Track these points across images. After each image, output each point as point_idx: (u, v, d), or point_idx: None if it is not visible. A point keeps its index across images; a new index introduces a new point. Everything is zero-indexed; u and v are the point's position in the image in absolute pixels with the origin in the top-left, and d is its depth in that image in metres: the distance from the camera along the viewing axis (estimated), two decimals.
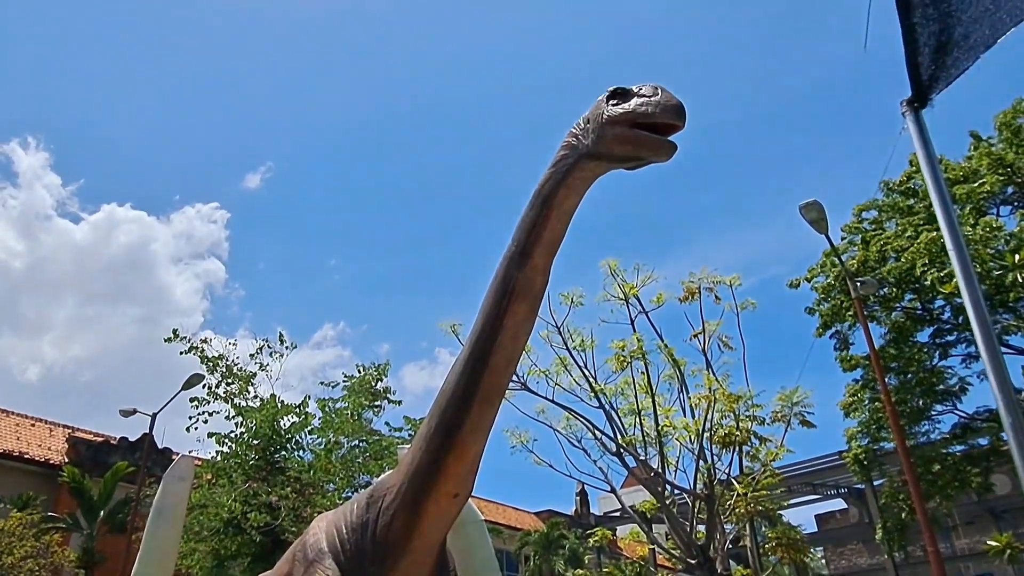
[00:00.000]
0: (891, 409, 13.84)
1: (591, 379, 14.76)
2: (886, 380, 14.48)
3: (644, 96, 4.10)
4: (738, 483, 14.09)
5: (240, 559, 17.29)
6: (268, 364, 18.68)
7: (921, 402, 16.73)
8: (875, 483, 20.46)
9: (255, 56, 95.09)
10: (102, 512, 19.68)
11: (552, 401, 14.98)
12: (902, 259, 15.78)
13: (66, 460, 23.97)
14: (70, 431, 29.35)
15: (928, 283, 15.00)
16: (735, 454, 14.42)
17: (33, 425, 28.92)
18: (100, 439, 28.42)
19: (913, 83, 3.58)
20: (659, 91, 4.03)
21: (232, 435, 17.42)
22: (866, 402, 17.01)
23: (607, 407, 14.77)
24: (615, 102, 4.26)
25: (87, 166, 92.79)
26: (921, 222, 16.18)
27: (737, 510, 13.42)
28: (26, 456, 25.92)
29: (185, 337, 18.32)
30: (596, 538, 17.64)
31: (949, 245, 3.88)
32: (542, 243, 5.30)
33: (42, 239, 78.69)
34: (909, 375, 16.69)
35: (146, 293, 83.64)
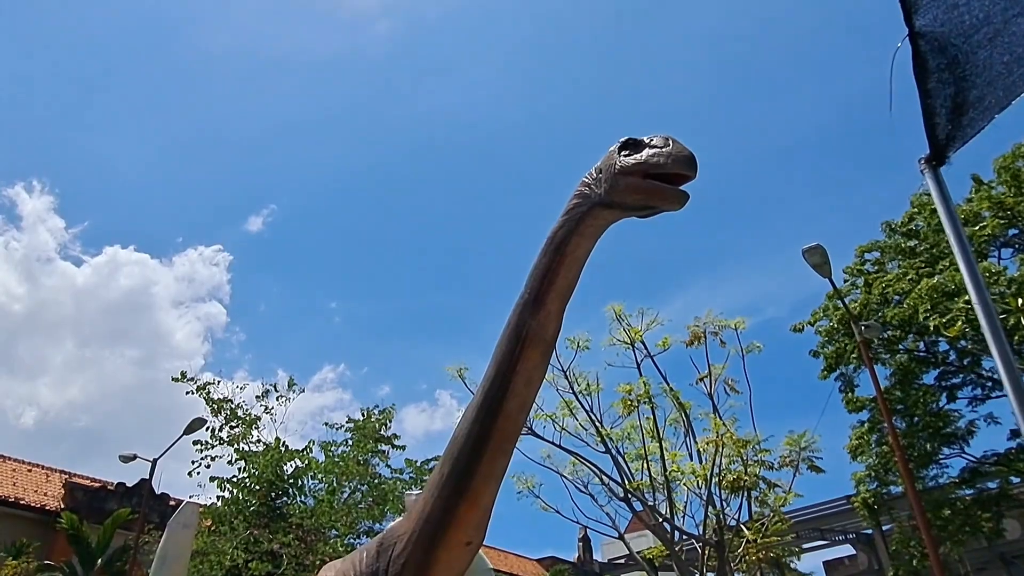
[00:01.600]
0: (900, 452, 13.72)
1: (597, 423, 14.68)
2: (893, 422, 14.40)
3: (655, 147, 4.23)
4: (747, 529, 13.91)
5: None
6: (273, 408, 18.61)
7: (929, 445, 16.60)
8: (884, 528, 20.17)
9: (257, 99, 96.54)
10: (100, 560, 19.32)
11: (558, 446, 14.90)
12: (905, 304, 15.83)
13: (63, 506, 23.63)
14: (67, 476, 28.98)
15: (931, 329, 15.03)
16: (744, 499, 14.27)
17: (30, 471, 28.56)
18: (97, 484, 28.05)
19: (931, 142, 3.68)
20: (670, 142, 4.17)
21: (234, 479, 17.23)
22: (873, 445, 16.88)
23: (614, 452, 14.66)
24: (627, 153, 4.39)
25: (91, 208, 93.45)
26: (923, 264, 16.27)
27: (748, 557, 13.21)
28: (22, 502, 25.54)
29: (193, 378, 18.28)
30: None
31: (974, 299, 3.92)
32: (555, 290, 5.38)
33: (43, 282, 78.83)
34: (916, 418, 16.59)
35: (146, 336, 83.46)
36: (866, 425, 17.22)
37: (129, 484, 26.72)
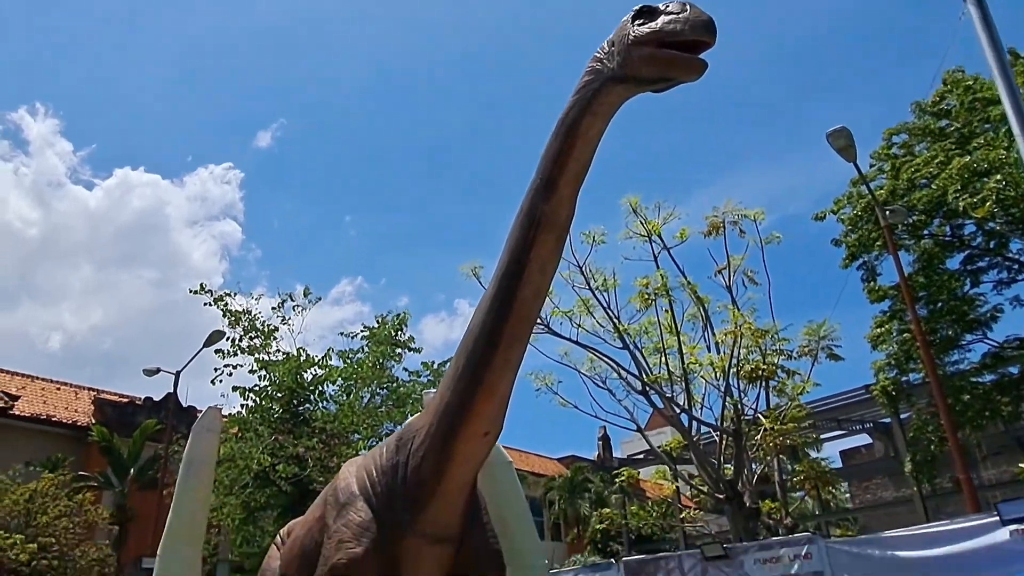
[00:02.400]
0: (922, 338, 13.52)
1: (615, 319, 14.50)
2: (916, 310, 14.12)
3: (672, 13, 3.69)
4: (765, 418, 13.91)
5: (270, 510, 17.49)
6: (290, 318, 18.68)
7: (951, 331, 16.36)
8: (902, 416, 20.22)
9: (263, 10, 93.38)
10: (132, 470, 19.90)
11: (575, 342, 14.77)
12: (933, 185, 15.26)
13: (93, 421, 24.23)
14: (95, 393, 29.71)
15: (960, 209, 14.51)
16: (762, 389, 14.21)
17: (58, 389, 29.28)
18: (125, 400, 28.76)
19: None
20: (687, 7, 3.63)
21: (256, 388, 17.48)
22: (894, 333, 16.66)
23: (631, 347, 14.53)
24: (641, 21, 3.85)
25: (98, 131, 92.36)
26: (952, 146, 15.59)
27: (765, 445, 13.25)
28: (53, 419, 26.30)
29: (210, 290, 18.33)
30: (622, 478, 17.60)
31: (1015, 128, 3.50)
32: (568, 173, 4.94)
33: (56, 207, 78.84)
34: (939, 304, 16.30)
35: (162, 257, 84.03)
36: (887, 314, 16.96)
37: (156, 398, 27.36)
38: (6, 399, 25.05)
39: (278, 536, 9.62)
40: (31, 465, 22.66)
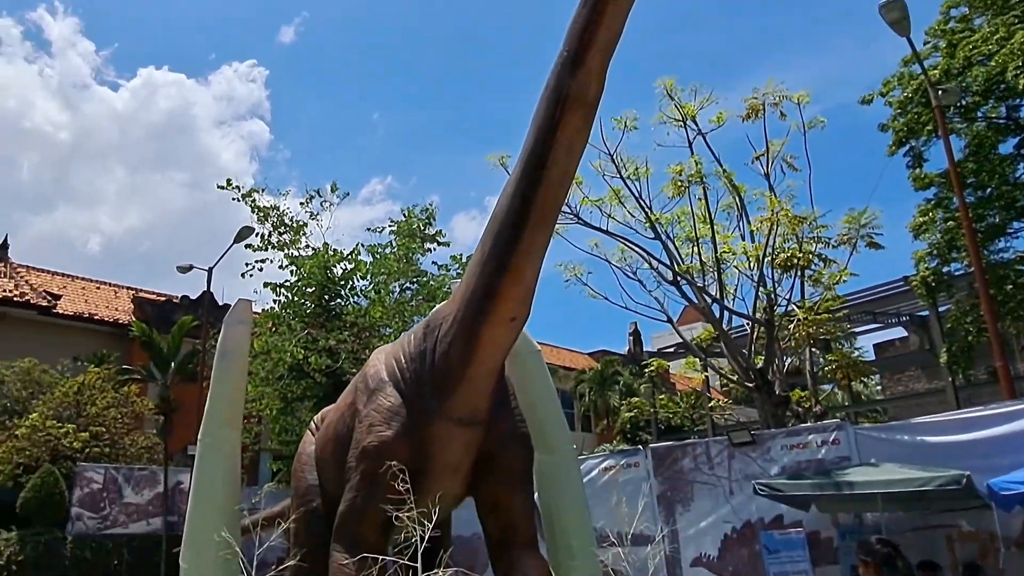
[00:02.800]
0: (968, 224, 12.98)
1: (646, 208, 14.08)
2: (964, 196, 13.49)
3: None
4: (798, 308, 13.65)
5: (306, 401, 18.02)
6: (319, 214, 18.64)
7: (998, 218, 15.69)
8: (940, 308, 19.81)
9: None
10: (172, 364, 20.52)
11: (606, 232, 14.41)
12: (991, 63, 14.23)
13: (133, 319, 24.88)
14: (134, 292, 30.44)
15: (1020, 87, 13.56)
16: (796, 278, 13.85)
17: (98, 288, 30.00)
18: (163, 298, 29.44)
19: None
20: None
21: (287, 284, 17.67)
22: (938, 222, 16.04)
23: (663, 236, 14.16)
24: None
25: (118, 30, 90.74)
26: (1016, 20, 14.42)
27: (797, 335, 13.05)
28: (95, 317, 27.08)
29: (238, 186, 18.28)
30: (651, 368, 17.67)
31: None
32: (596, 45, 4.47)
33: (83, 109, 78.64)
34: (988, 190, 15.57)
35: (192, 158, 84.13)
36: (932, 202, 16.29)
37: (192, 297, 27.95)
38: (49, 298, 25.75)
39: (312, 423, 9.85)
40: (78, 360, 23.55)
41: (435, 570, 6.17)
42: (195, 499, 9.38)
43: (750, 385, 13.27)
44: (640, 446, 14.42)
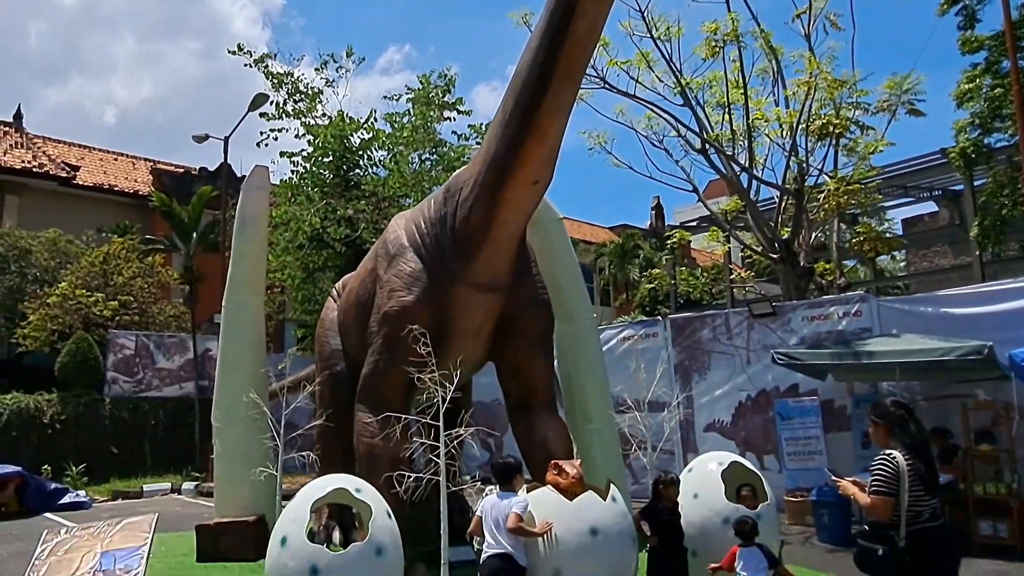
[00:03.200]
0: (1017, 88, 12.24)
1: (676, 73, 13.37)
2: (1017, 58, 12.64)
3: None
4: (830, 178, 13.21)
5: (327, 271, 18.15)
6: (334, 81, 18.03)
7: None
8: (976, 183, 19.16)
9: None
10: (194, 234, 20.63)
11: (633, 97, 13.77)
12: None
13: (152, 190, 24.86)
14: (152, 163, 30.28)
15: None
16: (831, 147, 13.31)
17: (116, 159, 29.84)
18: (181, 170, 29.28)
19: None
20: None
21: (304, 154, 17.38)
22: (984, 89, 15.17)
23: (693, 102, 13.52)
24: None
25: None
26: None
27: (828, 205, 12.69)
28: (115, 188, 27.08)
29: (250, 51, 17.67)
30: (674, 240, 17.47)
31: None
32: None
33: None
34: None
35: (204, 26, 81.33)
36: (980, 67, 15.33)
37: (211, 168, 27.76)
38: (68, 169, 25.68)
39: (333, 289, 9.93)
40: (102, 231, 23.78)
41: (456, 429, 6.33)
42: (223, 363, 9.63)
43: (774, 257, 13.06)
44: (659, 317, 14.47)
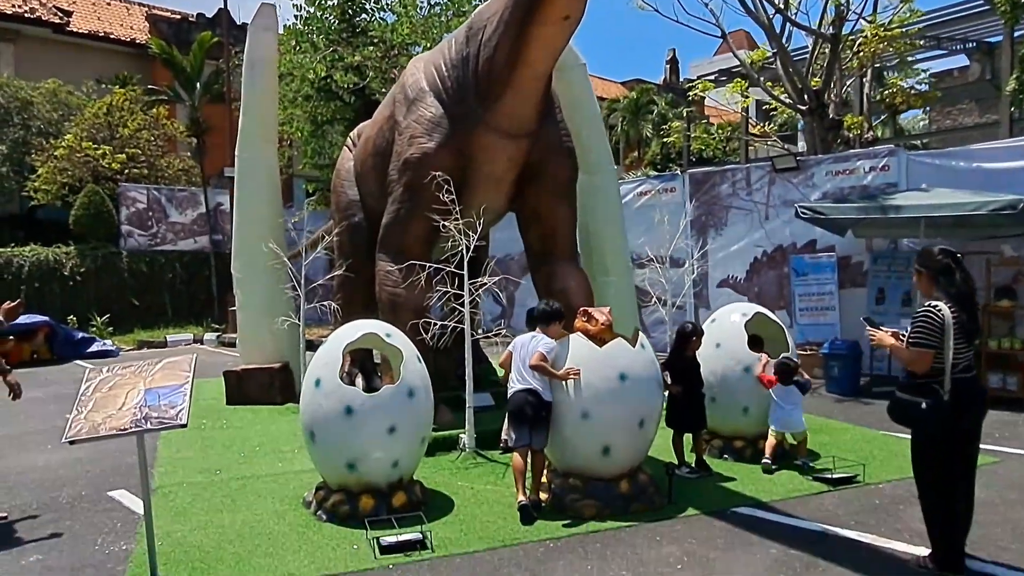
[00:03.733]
0: None
1: None
2: None
3: None
4: (868, 23, 12.42)
5: (336, 124, 17.70)
6: None
7: None
8: (1016, 34, 18.06)
9: None
10: (198, 84, 19.95)
11: None
12: None
13: (150, 37, 23.80)
14: (146, 8, 28.85)
15: None
16: None
17: (109, 4, 28.38)
18: (178, 16, 27.93)
19: None
20: None
21: None
22: None
23: None
24: None
25: None
26: None
27: (862, 52, 11.99)
28: (111, 36, 25.96)
29: None
30: (696, 91, 16.77)
31: None
32: None
33: None
34: None
35: None
36: None
37: (208, 15, 26.47)
38: (60, 15, 24.51)
39: (348, 139, 9.64)
40: (102, 82, 23.01)
41: (480, 278, 6.32)
42: (240, 215, 9.55)
43: (803, 108, 12.54)
44: (678, 170, 14.16)
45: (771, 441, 5.77)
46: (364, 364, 8.78)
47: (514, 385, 4.74)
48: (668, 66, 38.83)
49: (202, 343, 17.11)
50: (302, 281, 8.59)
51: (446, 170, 6.33)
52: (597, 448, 4.62)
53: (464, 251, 6.13)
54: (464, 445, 6.15)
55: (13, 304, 3.62)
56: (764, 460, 5.69)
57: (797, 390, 5.79)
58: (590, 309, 4.86)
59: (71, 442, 3.51)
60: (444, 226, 6.09)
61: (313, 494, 4.87)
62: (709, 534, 4.37)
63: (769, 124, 17.13)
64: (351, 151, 9.07)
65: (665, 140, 20.19)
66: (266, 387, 9.01)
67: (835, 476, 5.32)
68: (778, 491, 5.18)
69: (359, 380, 8.77)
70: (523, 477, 4.68)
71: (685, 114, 19.19)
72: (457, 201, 6.19)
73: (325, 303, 8.78)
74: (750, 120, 20.59)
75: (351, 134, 9.41)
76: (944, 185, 9.74)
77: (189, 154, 22.37)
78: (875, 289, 10.84)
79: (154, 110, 21.26)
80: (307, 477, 5.60)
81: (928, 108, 29.47)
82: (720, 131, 32.83)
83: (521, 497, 4.61)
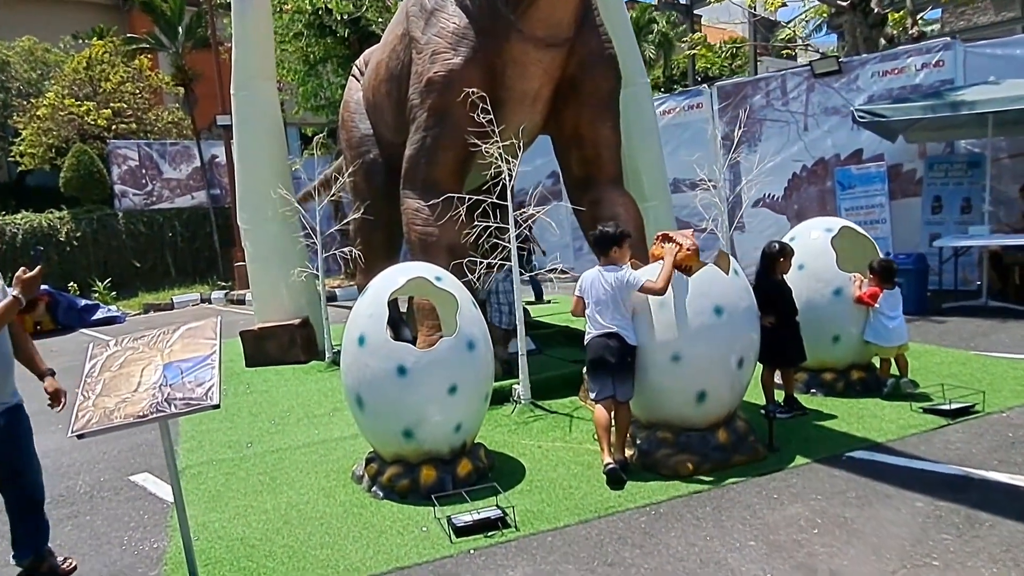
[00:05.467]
0: None
1: None
2: None
3: None
4: None
5: (330, 63, 16.63)
6: None
7: None
8: None
9: None
10: (180, 28, 18.76)
11: None
12: None
13: None
14: None
15: None
16: None
17: None
18: None
19: None
20: None
21: None
22: None
23: None
24: None
25: None
26: None
27: None
28: None
29: None
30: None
31: None
32: None
33: None
34: None
35: None
36: None
37: None
38: None
39: (354, 67, 8.72)
40: (78, 36, 21.75)
41: (526, 209, 5.57)
42: (242, 159, 8.72)
43: (843, 4, 11.50)
44: (705, 84, 13.18)
45: (885, 361, 5.28)
46: (391, 314, 8.11)
47: (590, 330, 4.05)
48: None
49: (210, 302, 16.47)
50: (317, 228, 7.85)
51: (477, 88, 5.52)
52: (691, 394, 3.96)
53: (507, 179, 5.37)
54: (519, 396, 5.52)
55: (32, 274, 2.88)
56: (889, 383, 5.21)
57: (899, 295, 5.25)
58: (671, 232, 4.12)
59: (79, 436, 2.85)
60: (484, 151, 5.31)
61: (364, 467, 4.24)
62: (833, 487, 3.74)
63: (796, 26, 15.95)
64: (358, 80, 8.19)
65: (692, 51, 18.94)
66: (287, 346, 8.35)
67: (952, 407, 4.67)
68: (890, 429, 4.53)
69: (387, 332, 8.13)
70: (607, 434, 4.04)
71: (695, 37, 17.90)
72: (495, 122, 5.39)
73: (337, 252, 8.06)
74: (750, 42, 19.42)
75: (356, 62, 8.51)
76: (1009, 77, 8.84)
77: (177, 106, 21.30)
78: (931, 198, 10.06)
79: (136, 61, 20.12)
80: (350, 444, 4.98)
81: (942, 8, 28.01)
82: (725, 47, 31.44)
83: (607, 458, 3.98)
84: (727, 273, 4.03)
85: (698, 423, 4.06)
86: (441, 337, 4.12)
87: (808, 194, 11.69)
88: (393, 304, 7.61)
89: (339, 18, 14.51)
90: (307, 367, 8.11)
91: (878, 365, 5.35)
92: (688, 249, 3.99)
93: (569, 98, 6.13)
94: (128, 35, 20.63)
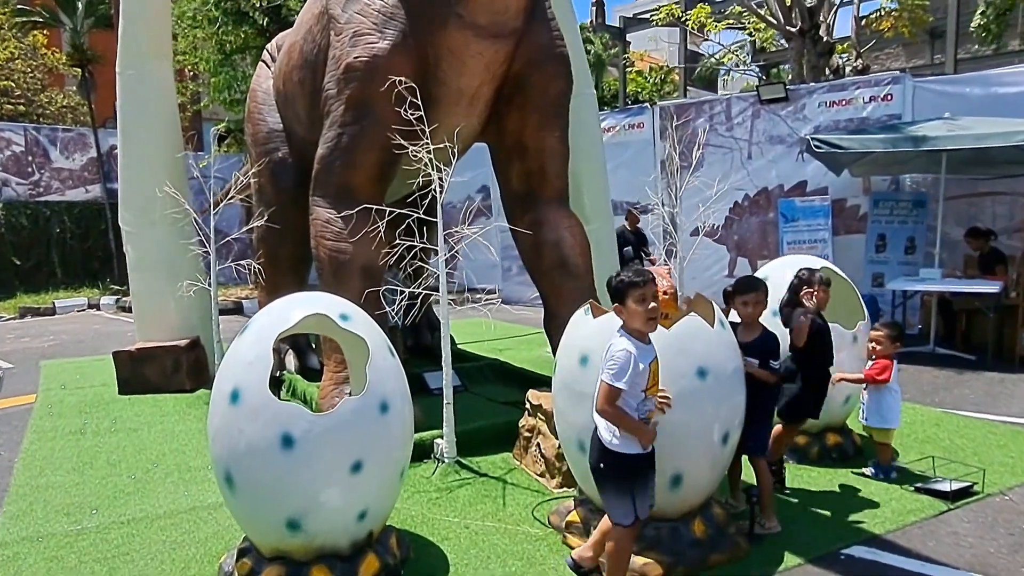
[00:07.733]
0: None
1: None
2: None
3: None
4: None
5: (248, 52, 15.35)
6: None
7: None
8: None
9: None
10: (79, 4, 17.04)
11: None
12: None
13: None
14: None
15: None
16: None
17: None
18: None
19: None
20: None
21: None
22: None
23: None
24: None
25: None
26: None
27: None
28: None
29: None
30: (661, 15, 14.99)
31: None
32: None
33: None
34: None
35: None
36: None
37: None
38: None
39: (266, 52, 7.58)
40: None
41: (459, 227, 4.66)
42: (125, 149, 7.48)
43: (791, 30, 11.14)
44: (647, 104, 12.63)
45: (885, 446, 4.42)
46: (296, 338, 7.04)
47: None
48: (594, 7, 36.86)
49: (98, 308, 14.80)
50: (212, 234, 6.71)
51: (406, 78, 4.60)
52: (665, 477, 3.11)
53: (438, 190, 4.46)
54: (442, 454, 4.58)
55: None
56: (892, 474, 4.37)
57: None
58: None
59: None
60: (411, 154, 4.38)
61: (235, 562, 3.20)
62: None
63: (739, 52, 15.70)
64: (269, 67, 7.12)
65: (605, 81, 18.50)
66: (170, 370, 7.14)
67: (952, 488, 4.00)
68: (885, 515, 3.81)
69: (290, 359, 7.05)
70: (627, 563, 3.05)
71: (623, 57, 17.44)
72: (425, 121, 4.48)
73: (242, 263, 6.93)
74: (675, 69, 19.20)
75: (268, 46, 7.43)
76: (958, 114, 8.55)
77: (75, 89, 19.42)
78: (875, 235, 9.71)
79: (30, 37, 18.21)
80: (224, 516, 3.93)
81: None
82: (655, 73, 31.50)
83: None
84: (712, 325, 3.23)
85: (671, 513, 3.22)
86: (346, 391, 3.15)
87: (749, 224, 11.24)
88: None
89: (258, 5, 13.29)
90: (192, 397, 6.94)
91: (859, 438, 4.67)
92: (664, 293, 3.17)
93: (513, 100, 5.27)
94: (21, 7, 18.66)
